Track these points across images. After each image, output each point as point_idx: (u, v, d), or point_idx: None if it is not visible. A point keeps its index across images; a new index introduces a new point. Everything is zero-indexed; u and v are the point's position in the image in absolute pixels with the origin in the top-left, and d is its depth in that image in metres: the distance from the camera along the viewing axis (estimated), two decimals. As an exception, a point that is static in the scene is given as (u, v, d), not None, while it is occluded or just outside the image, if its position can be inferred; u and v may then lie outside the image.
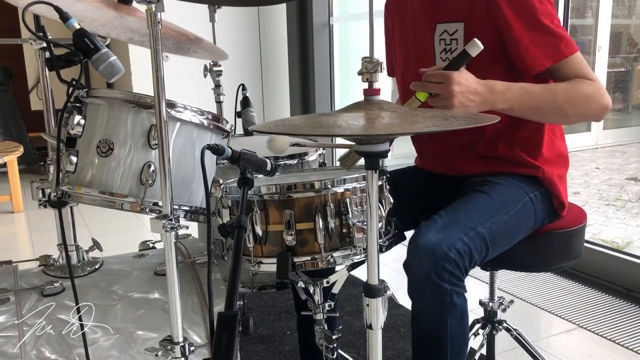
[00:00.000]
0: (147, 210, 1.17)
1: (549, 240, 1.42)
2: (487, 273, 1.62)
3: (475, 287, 2.39)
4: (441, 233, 1.19)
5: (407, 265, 1.21)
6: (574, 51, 1.32)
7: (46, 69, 1.33)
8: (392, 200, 1.21)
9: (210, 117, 1.25)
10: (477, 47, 1.18)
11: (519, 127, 1.40)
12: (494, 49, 1.33)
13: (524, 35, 1.31)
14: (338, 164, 1.41)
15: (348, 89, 4.29)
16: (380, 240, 1.16)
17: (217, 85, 1.90)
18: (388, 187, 1.21)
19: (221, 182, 1.18)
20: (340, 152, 1.53)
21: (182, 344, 1.12)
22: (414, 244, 1.20)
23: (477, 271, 2.33)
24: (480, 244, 1.24)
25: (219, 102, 1.91)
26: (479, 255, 1.24)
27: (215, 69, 1.84)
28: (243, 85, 1.85)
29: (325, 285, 1.25)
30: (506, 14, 1.31)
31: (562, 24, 1.35)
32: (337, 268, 1.20)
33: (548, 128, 1.44)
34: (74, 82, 1.14)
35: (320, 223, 1.11)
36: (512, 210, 1.32)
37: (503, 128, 1.40)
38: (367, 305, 0.99)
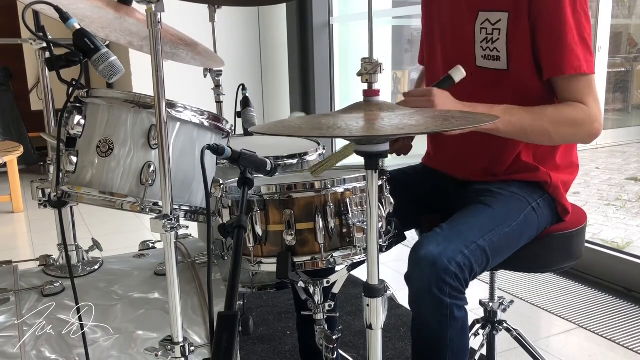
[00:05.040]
0: (147, 210, 1.17)
1: (549, 242, 1.42)
2: (487, 273, 1.62)
3: (475, 287, 2.38)
4: (442, 245, 1.19)
5: (407, 277, 1.21)
6: (590, 71, 1.31)
7: (46, 69, 1.32)
8: (392, 201, 1.21)
9: (210, 117, 1.25)
10: (460, 73, 1.23)
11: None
12: (529, 45, 1.33)
13: (557, 35, 1.29)
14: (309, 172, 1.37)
15: (348, 89, 4.29)
16: (381, 240, 1.16)
17: (217, 85, 1.90)
18: (388, 187, 1.21)
19: (221, 182, 1.18)
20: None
21: (182, 344, 1.12)
22: (415, 255, 1.20)
23: (477, 271, 2.33)
24: (481, 257, 1.24)
25: (219, 102, 1.91)
26: (480, 267, 1.24)
27: (215, 69, 1.84)
28: (243, 85, 1.85)
29: (325, 285, 1.25)
30: (549, 8, 1.29)
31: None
32: (337, 268, 1.20)
33: None
34: (74, 82, 1.14)
35: (320, 223, 1.11)
36: (514, 222, 1.32)
37: (527, 145, 1.41)
38: (367, 305, 0.99)
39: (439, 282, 1.15)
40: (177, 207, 1.19)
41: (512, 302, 1.65)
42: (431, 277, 1.16)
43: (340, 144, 4.12)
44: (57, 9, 1.11)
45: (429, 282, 1.16)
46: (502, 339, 1.70)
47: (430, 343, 1.21)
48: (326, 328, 1.30)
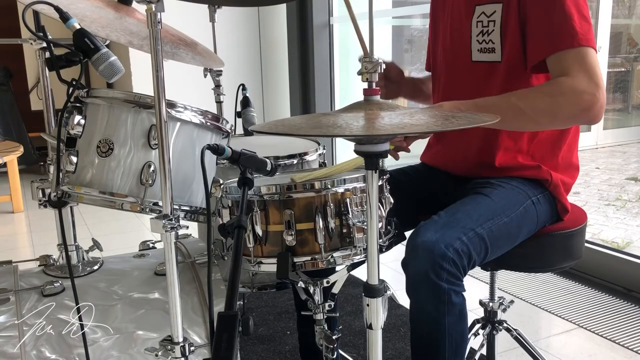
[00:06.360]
0: (147, 210, 1.17)
1: (549, 241, 1.42)
2: (487, 273, 1.62)
3: (476, 287, 2.39)
4: (439, 232, 1.19)
5: (405, 264, 1.21)
6: (586, 43, 1.24)
7: (46, 69, 1.33)
8: (392, 201, 1.21)
9: (210, 117, 1.25)
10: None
11: (542, 141, 1.41)
12: (519, 34, 1.32)
13: (540, 20, 1.28)
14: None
15: (348, 89, 4.29)
16: (380, 240, 1.16)
17: (217, 85, 1.90)
18: (388, 187, 1.21)
19: (221, 182, 1.18)
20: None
21: (182, 344, 1.12)
22: (412, 242, 1.20)
23: (477, 271, 2.33)
24: (480, 245, 1.24)
25: (219, 102, 1.91)
26: (478, 255, 1.24)
27: (215, 69, 1.84)
28: (243, 85, 1.85)
29: (325, 285, 1.25)
30: None
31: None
32: (337, 268, 1.20)
33: (567, 140, 1.44)
34: (74, 82, 1.14)
35: (320, 223, 1.11)
36: (513, 213, 1.32)
37: (523, 138, 1.41)
38: (367, 305, 0.99)
39: (436, 267, 1.15)
40: (177, 207, 1.19)
41: (512, 302, 1.65)
42: (428, 263, 1.16)
43: (339, 143, 4.12)
44: (57, 9, 1.11)
45: (426, 268, 1.16)
46: (502, 339, 1.70)
47: (428, 329, 1.21)
48: (326, 328, 1.30)
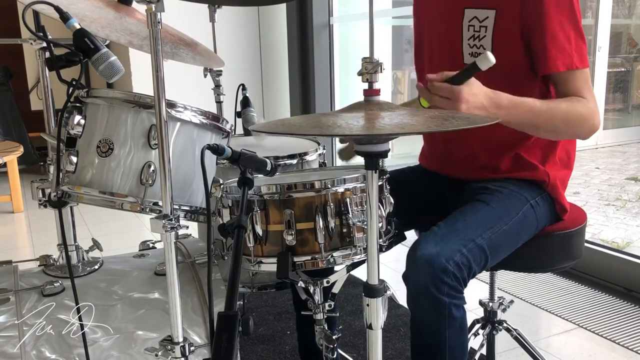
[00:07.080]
0: (147, 210, 1.17)
1: (549, 241, 1.42)
2: (487, 273, 1.62)
3: (475, 287, 2.38)
4: (439, 245, 1.19)
5: (405, 277, 1.21)
6: (585, 65, 1.32)
7: (46, 69, 1.33)
8: (392, 201, 1.21)
9: (210, 117, 1.25)
10: (488, 61, 1.13)
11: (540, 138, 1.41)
12: (519, 43, 1.33)
13: (551, 34, 1.30)
14: (337, 157, 1.38)
15: (348, 89, 4.29)
16: (380, 240, 1.16)
17: (217, 85, 1.90)
18: (388, 187, 1.21)
19: (221, 182, 1.18)
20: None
21: (182, 344, 1.12)
22: (413, 255, 1.20)
23: (477, 271, 2.33)
24: (480, 256, 1.23)
25: (219, 102, 1.91)
26: (478, 266, 1.24)
27: (215, 69, 1.84)
28: (243, 85, 1.85)
29: (325, 285, 1.25)
30: (546, 7, 1.29)
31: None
32: (337, 268, 1.20)
33: None
34: (74, 82, 1.14)
35: (321, 223, 1.11)
36: (512, 219, 1.32)
37: (523, 137, 1.40)
38: (367, 305, 0.99)
39: (437, 281, 1.15)
40: (177, 207, 1.19)
41: (512, 302, 1.65)
42: (428, 277, 1.15)
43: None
44: (57, 9, 1.11)
45: (426, 282, 1.15)
46: (502, 339, 1.70)
47: (428, 342, 1.21)
48: (326, 328, 1.30)
